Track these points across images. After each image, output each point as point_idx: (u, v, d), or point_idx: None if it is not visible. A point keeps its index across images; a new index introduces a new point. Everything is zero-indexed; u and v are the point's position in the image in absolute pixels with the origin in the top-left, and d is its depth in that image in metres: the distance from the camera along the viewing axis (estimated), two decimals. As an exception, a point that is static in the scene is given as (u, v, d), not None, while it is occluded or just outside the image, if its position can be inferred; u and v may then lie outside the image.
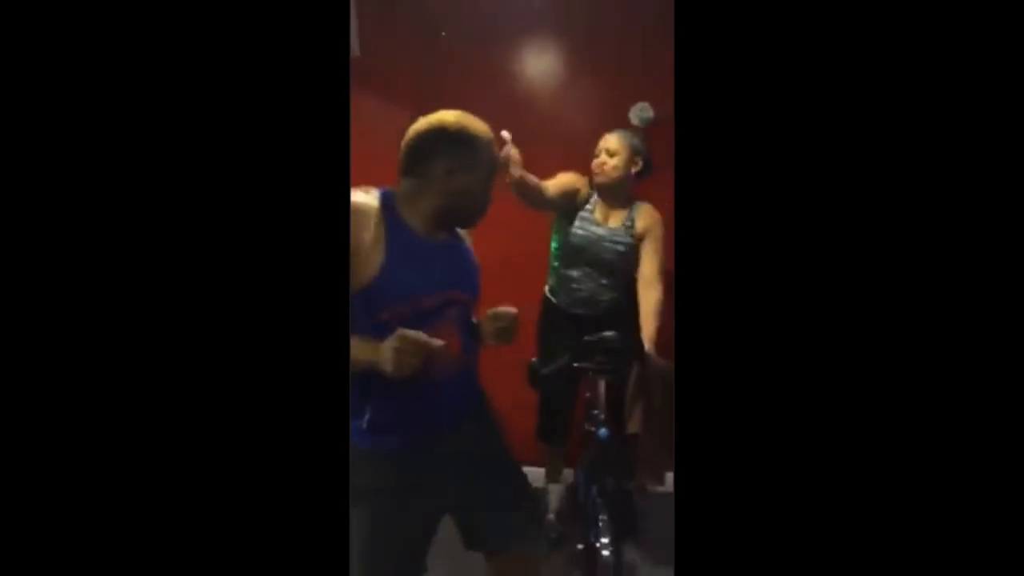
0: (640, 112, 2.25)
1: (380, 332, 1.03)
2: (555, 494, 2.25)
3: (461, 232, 1.24)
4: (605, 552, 1.56)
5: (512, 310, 1.21)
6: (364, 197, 1.09)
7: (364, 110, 2.57)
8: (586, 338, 1.59)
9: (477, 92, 2.40)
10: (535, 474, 2.29)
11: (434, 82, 2.46)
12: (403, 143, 1.14)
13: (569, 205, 1.94)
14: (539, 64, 2.47)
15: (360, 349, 1.02)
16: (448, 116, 1.12)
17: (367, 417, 1.10)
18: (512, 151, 1.57)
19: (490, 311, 1.22)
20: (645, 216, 1.92)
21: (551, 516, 2.21)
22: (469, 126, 1.12)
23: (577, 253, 1.96)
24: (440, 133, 1.11)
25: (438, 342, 1.01)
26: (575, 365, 1.65)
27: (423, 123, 1.13)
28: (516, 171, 1.61)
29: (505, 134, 1.51)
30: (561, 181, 1.90)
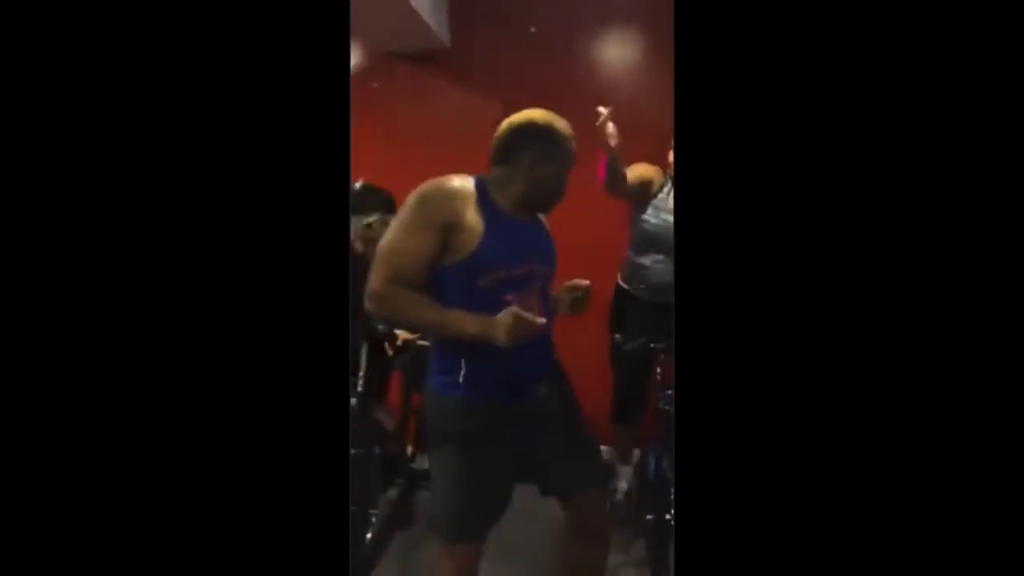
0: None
1: (477, 297, 1.19)
2: (624, 476, 2.34)
3: (540, 216, 1.38)
4: (674, 523, 1.64)
5: (584, 282, 1.35)
6: (462, 182, 1.24)
7: (453, 100, 2.73)
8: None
9: (562, 87, 2.51)
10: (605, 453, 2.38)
11: (521, 76, 2.58)
12: (496, 136, 1.28)
13: (644, 195, 2.02)
14: (620, 60, 2.56)
15: (473, 323, 1.17)
16: (536, 113, 1.27)
17: (463, 373, 1.25)
18: (609, 125, 1.64)
19: (566, 283, 1.36)
20: None
21: (619, 494, 2.30)
22: (554, 123, 1.27)
23: (652, 242, 2.03)
24: (529, 128, 1.26)
25: (542, 320, 1.15)
26: (652, 345, 1.74)
27: (515, 119, 1.27)
28: (613, 141, 1.66)
29: (602, 109, 1.61)
30: (638, 171, 1.98)
